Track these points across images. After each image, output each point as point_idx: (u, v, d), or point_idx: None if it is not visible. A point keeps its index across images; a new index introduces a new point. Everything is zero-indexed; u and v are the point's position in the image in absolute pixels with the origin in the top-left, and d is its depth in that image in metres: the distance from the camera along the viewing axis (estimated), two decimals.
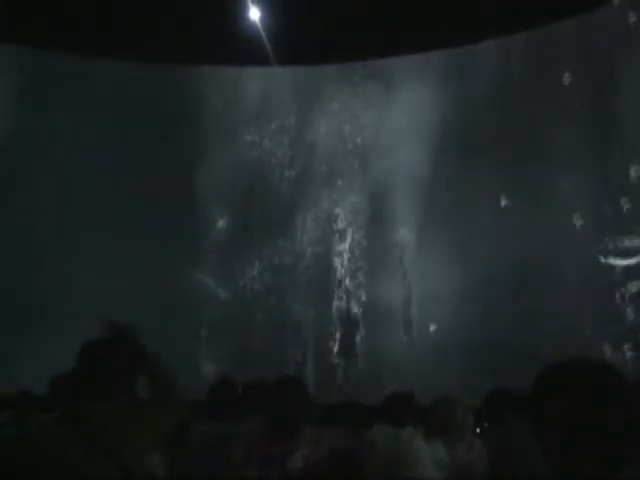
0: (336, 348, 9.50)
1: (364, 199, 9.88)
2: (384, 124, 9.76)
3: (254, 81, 9.90)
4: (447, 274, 8.84)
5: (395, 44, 8.72)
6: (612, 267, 8.02)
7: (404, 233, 9.63)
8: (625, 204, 7.92)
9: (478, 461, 3.41)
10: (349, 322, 9.59)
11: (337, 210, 9.98)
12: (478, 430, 3.82)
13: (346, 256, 9.83)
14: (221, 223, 9.87)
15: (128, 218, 8.95)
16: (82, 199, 8.91)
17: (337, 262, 9.85)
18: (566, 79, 8.44)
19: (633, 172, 7.95)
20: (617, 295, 7.92)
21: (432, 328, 9.10)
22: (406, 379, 8.03)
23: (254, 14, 8.64)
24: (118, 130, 9.14)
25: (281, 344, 9.34)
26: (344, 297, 9.67)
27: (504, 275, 8.49)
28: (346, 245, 9.87)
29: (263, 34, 8.59)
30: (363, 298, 9.66)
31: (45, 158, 8.88)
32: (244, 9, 8.60)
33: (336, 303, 9.66)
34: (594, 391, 1.39)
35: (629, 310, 7.80)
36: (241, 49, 8.72)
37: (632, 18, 7.94)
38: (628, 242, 7.89)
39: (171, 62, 9.29)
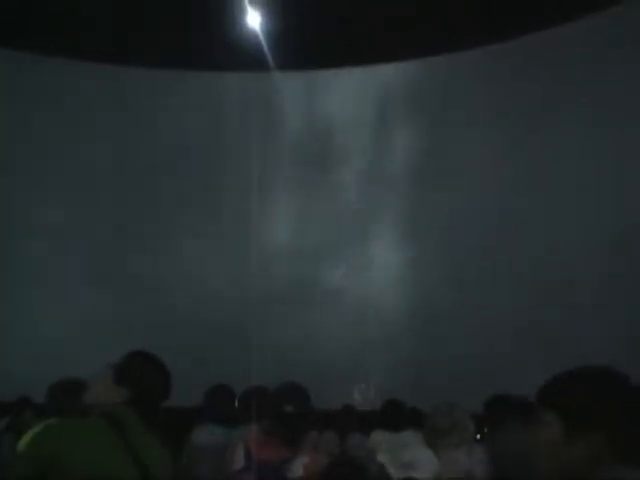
0: None
1: None
2: None
3: None
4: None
5: (397, 48, 8.68)
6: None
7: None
8: None
9: (478, 466, 3.40)
10: None
11: None
12: (478, 436, 3.81)
13: None
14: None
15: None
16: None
17: None
18: None
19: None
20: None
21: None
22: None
23: (253, 19, 8.61)
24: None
25: None
26: None
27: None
28: None
29: (262, 39, 8.56)
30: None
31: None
32: (242, 14, 8.57)
33: None
34: (594, 397, 1.39)
35: None
36: (240, 54, 8.68)
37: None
38: None
39: (167, 67, 9.25)
